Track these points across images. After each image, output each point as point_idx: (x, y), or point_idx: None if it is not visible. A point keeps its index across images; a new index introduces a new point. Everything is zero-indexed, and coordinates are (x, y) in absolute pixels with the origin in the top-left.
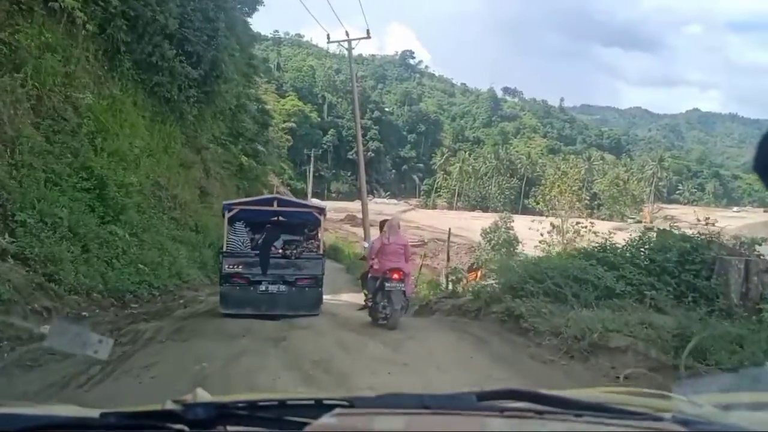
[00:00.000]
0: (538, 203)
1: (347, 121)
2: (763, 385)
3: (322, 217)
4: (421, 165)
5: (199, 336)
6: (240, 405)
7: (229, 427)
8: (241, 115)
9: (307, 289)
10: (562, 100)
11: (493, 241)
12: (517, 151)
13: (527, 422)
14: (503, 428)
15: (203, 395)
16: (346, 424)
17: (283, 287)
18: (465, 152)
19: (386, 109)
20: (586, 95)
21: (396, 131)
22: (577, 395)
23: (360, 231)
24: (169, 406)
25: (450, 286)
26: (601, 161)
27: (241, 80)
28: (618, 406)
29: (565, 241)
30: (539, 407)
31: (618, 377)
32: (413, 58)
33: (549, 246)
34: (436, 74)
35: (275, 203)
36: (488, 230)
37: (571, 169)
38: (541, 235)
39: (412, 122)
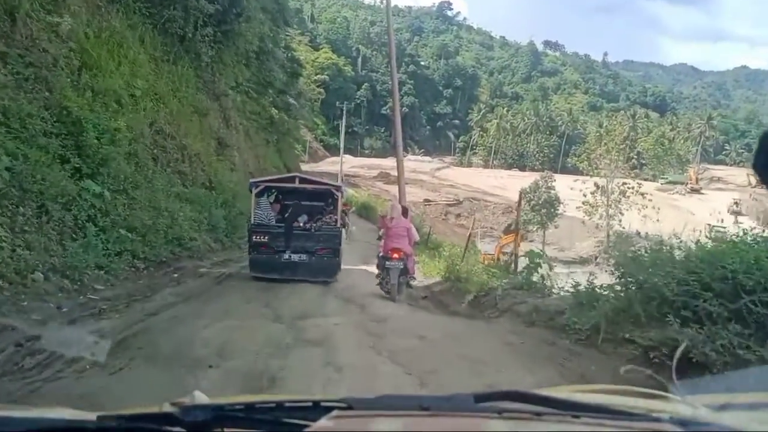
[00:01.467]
0: (581, 162)
1: (382, 75)
2: (759, 385)
3: (339, 194)
4: (457, 121)
5: (148, 359)
6: (238, 407)
7: (226, 430)
8: (269, 63)
9: (325, 258)
10: (605, 54)
11: (533, 201)
12: (557, 108)
13: (525, 423)
14: (501, 429)
15: (201, 397)
16: (344, 426)
17: (304, 256)
18: (503, 108)
19: (422, 63)
20: (629, 51)
21: (431, 86)
22: (574, 396)
23: (393, 189)
24: (167, 408)
25: (513, 270)
26: (645, 119)
27: (266, 20)
28: (615, 407)
29: (609, 203)
30: (537, 408)
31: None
32: (450, 9)
33: (592, 207)
34: (475, 27)
35: (297, 180)
36: (528, 190)
37: (617, 126)
38: (584, 195)
39: (449, 77)
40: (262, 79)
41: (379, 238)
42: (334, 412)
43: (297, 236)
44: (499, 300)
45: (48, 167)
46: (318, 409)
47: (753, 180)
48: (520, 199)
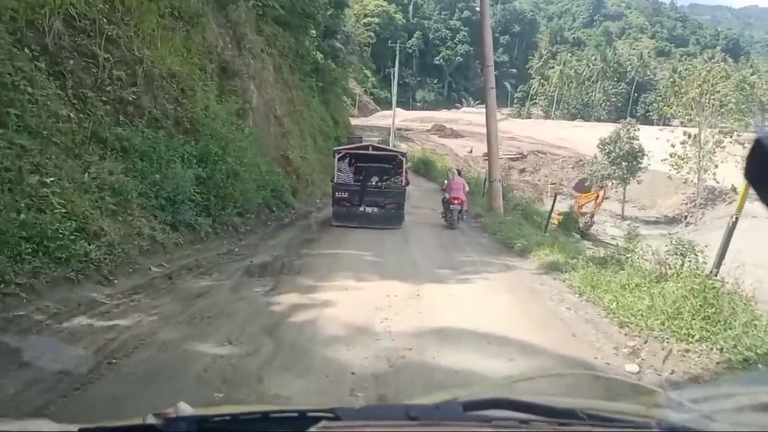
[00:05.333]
0: (670, 107)
1: (434, 22)
2: (748, 388)
3: (404, 159)
4: (514, 70)
5: None
6: (223, 419)
7: None
8: None
9: (393, 211)
10: None
11: (612, 154)
12: (622, 53)
13: None
14: None
15: (185, 408)
16: None
17: (375, 209)
18: (567, 54)
19: (477, 9)
20: None
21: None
22: (563, 402)
23: (450, 142)
24: (150, 420)
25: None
26: (723, 63)
27: None
28: (604, 414)
29: (702, 155)
30: (525, 416)
31: None
32: None
33: (682, 159)
34: None
35: (370, 148)
36: (607, 141)
37: (709, 72)
38: (672, 146)
39: (505, 23)
40: (300, 8)
41: (443, 190)
42: (321, 423)
43: (370, 193)
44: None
45: None
46: (304, 420)
47: None
48: None
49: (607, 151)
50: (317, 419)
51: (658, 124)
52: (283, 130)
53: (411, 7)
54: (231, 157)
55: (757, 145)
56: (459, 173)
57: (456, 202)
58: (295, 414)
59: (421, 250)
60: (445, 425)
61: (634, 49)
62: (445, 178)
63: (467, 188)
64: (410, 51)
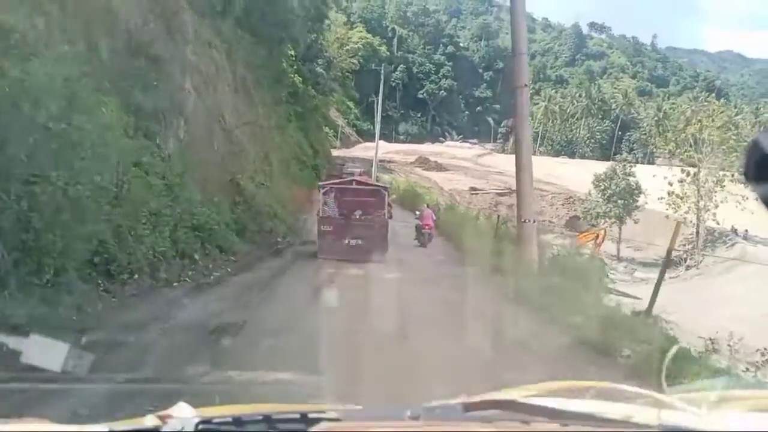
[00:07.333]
0: (667, 144)
1: (418, 56)
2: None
3: (386, 193)
4: (497, 106)
5: None
6: (224, 420)
7: None
8: None
9: (375, 242)
10: (654, 37)
11: (608, 191)
12: (604, 92)
13: None
14: None
15: (186, 409)
16: None
17: (360, 241)
18: (551, 90)
19: (461, 45)
20: (671, 37)
21: (471, 68)
22: (564, 403)
23: (433, 175)
24: (150, 420)
25: None
26: (707, 103)
27: None
28: (604, 415)
29: (701, 194)
30: (526, 417)
31: None
32: None
33: (680, 198)
34: None
35: (354, 183)
36: (602, 177)
37: (707, 107)
38: (670, 184)
39: (489, 59)
40: (272, 15)
41: (416, 219)
42: (323, 424)
43: (354, 225)
44: None
45: None
46: (306, 421)
47: None
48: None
49: (603, 187)
50: (319, 420)
51: (642, 162)
52: (236, 148)
53: (395, 40)
54: (61, 172)
55: (755, 145)
56: (428, 206)
57: (427, 227)
58: (297, 415)
59: (435, 368)
60: (446, 425)
61: (615, 88)
62: (418, 210)
63: (434, 217)
64: (394, 84)
